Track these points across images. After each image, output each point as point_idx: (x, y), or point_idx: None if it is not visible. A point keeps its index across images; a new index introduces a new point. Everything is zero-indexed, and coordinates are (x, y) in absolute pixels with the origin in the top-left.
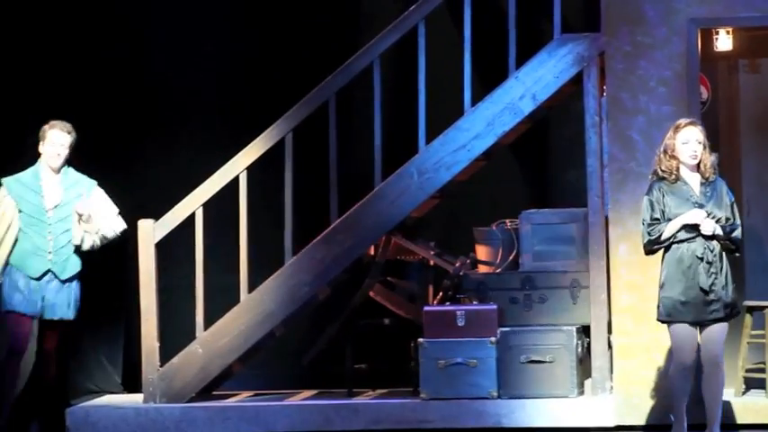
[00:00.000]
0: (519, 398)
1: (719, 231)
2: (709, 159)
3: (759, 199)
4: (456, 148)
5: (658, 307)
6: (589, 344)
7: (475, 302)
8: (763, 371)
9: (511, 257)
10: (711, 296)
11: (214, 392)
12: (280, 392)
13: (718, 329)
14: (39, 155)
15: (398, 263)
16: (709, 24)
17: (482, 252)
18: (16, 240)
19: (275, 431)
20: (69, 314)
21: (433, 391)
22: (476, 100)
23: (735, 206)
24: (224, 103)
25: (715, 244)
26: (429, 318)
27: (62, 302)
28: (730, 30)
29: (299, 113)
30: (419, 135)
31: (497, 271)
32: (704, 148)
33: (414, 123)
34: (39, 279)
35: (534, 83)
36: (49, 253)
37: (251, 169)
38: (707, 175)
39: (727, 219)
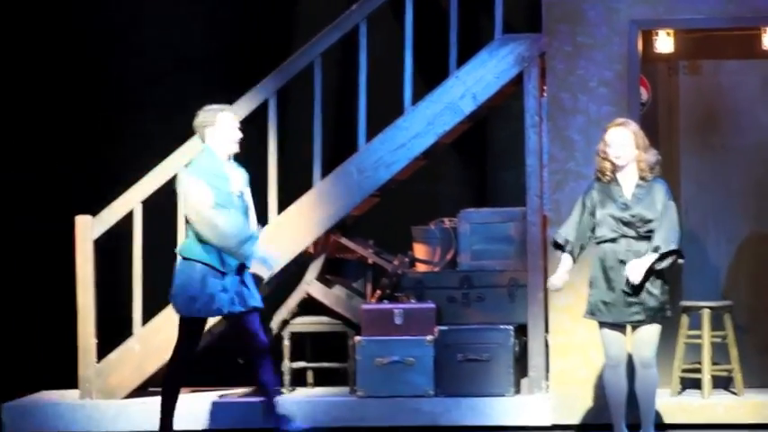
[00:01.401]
0: (456, 396)
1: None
2: (647, 160)
3: (697, 200)
4: (396, 146)
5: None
6: (526, 343)
7: (413, 301)
8: (698, 371)
9: (449, 256)
10: (633, 299)
11: (151, 389)
12: (217, 389)
13: (647, 332)
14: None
15: (337, 261)
16: (650, 25)
17: (420, 251)
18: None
19: (212, 428)
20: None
21: (370, 388)
22: (416, 99)
23: (671, 210)
24: (166, 99)
25: (641, 245)
26: (367, 316)
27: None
28: (671, 31)
29: (239, 112)
30: (359, 133)
31: (435, 270)
32: (638, 148)
33: (354, 122)
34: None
35: (475, 83)
36: None
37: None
38: (643, 175)
39: (649, 221)
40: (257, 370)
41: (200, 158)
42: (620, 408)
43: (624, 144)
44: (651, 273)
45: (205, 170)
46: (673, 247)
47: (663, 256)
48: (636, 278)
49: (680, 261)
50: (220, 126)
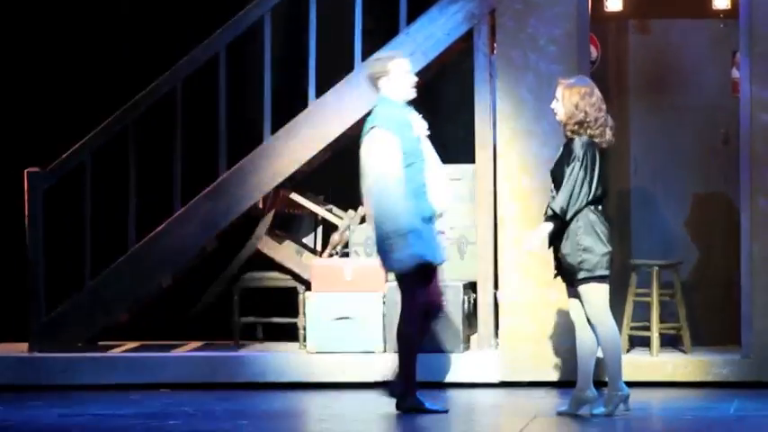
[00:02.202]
0: None
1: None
2: (569, 118)
3: (646, 158)
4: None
5: None
6: (476, 300)
7: (363, 257)
8: (647, 329)
9: None
10: (559, 259)
11: (100, 342)
12: (166, 343)
13: (579, 291)
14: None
15: (287, 216)
16: None
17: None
18: None
19: (161, 381)
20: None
21: (319, 344)
22: (367, 55)
23: (572, 170)
24: (112, 53)
25: None
26: (317, 272)
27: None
28: None
29: (189, 67)
30: (309, 89)
31: None
32: (564, 105)
33: (305, 77)
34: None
35: (425, 39)
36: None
37: (140, 121)
38: (565, 132)
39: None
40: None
41: (380, 109)
42: (583, 364)
43: (557, 100)
44: (562, 233)
45: (390, 119)
46: (555, 210)
47: (551, 219)
48: (527, 246)
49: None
50: (395, 74)
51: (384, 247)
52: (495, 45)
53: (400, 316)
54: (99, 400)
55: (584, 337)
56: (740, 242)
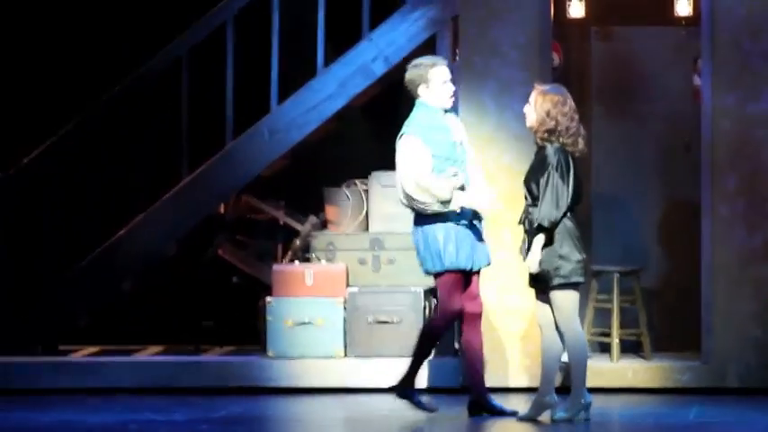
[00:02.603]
0: (365, 357)
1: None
2: (540, 125)
3: (607, 165)
4: (308, 108)
5: None
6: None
7: (323, 262)
8: (608, 335)
9: (360, 218)
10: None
11: (60, 347)
12: (126, 348)
13: (551, 297)
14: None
15: (248, 221)
16: None
17: (332, 212)
18: None
19: (121, 386)
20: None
21: (279, 349)
22: (329, 61)
23: (549, 180)
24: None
25: (532, 212)
26: (278, 277)
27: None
28: None
29: (152, 70)
30: (271, 94)
31: (346, 231)
32: (536, 111)
33: (267, 83)
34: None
35: (387, 45)
36: None
37: (107, 122)
38: (535, 140)
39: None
40: (465, 331)
41: (416, 114)
42: (547, 371)
43: (529, 104)
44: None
45: (423, 125)
46: (544, 224)
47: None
48: (533, 269)
49: (546, 231)
50: (434, 82)
51: (418, 250)
52: (457, 51)
53: (432, 315)
54: (57, 404)
55: (550, 342)
56: (701, 249)
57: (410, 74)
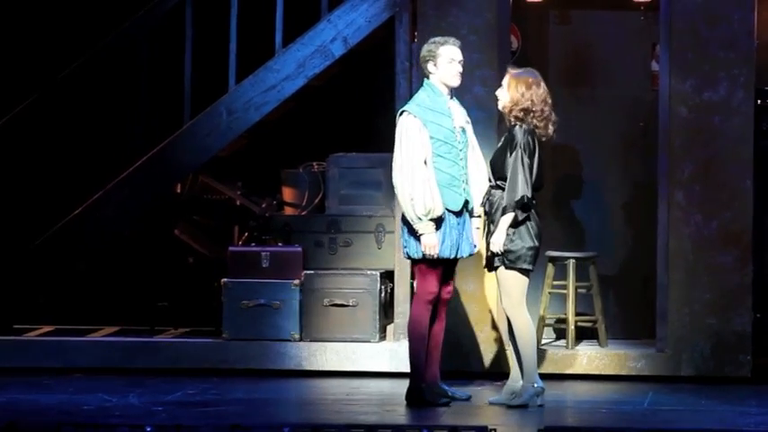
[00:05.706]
0: (321, 341)
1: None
2: (510, 104)
3: (565, 150)
4: (266, 88)
5: None
6: (393, 289)
7: (280, 244)
8: (563, 321)
9: (317, 200)
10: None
11: (15, 326)
12: (81, 328)
13: (498, 277)
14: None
15: (204, 202)
16: None
17: (289, 194)
18: None
19: (76, 366)
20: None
21: (235, 331)
22: (288, 41)
23: (520, 156)
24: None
25: (494, 194)
26: (233, 258)
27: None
28: None
29: (108, 50)
30: (229, 74)
31: (303, 213)
32: (509, 92)
33: (225, 62)
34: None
35: (346, 26)
36: (464, 183)
37: (63, 99)
38: (508, 118)
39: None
40: (435, 318)
41: (421, 94)
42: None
43: (502, 87)
44: (491, 223)
45: (424, 107)
46: (517, 202)
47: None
48: (497, 248)
49: (526, 211)
50: (441, 59)
51: (401, 233)
52: (416, 33)
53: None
54: (11, 384)
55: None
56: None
57: (422, 51)
